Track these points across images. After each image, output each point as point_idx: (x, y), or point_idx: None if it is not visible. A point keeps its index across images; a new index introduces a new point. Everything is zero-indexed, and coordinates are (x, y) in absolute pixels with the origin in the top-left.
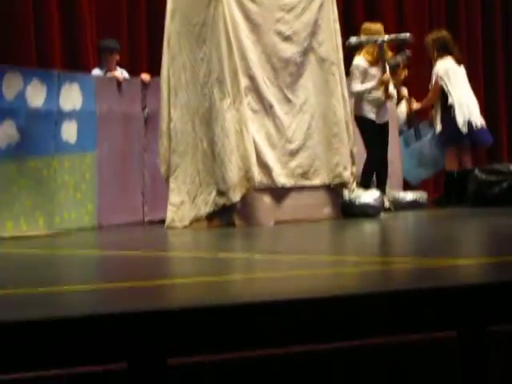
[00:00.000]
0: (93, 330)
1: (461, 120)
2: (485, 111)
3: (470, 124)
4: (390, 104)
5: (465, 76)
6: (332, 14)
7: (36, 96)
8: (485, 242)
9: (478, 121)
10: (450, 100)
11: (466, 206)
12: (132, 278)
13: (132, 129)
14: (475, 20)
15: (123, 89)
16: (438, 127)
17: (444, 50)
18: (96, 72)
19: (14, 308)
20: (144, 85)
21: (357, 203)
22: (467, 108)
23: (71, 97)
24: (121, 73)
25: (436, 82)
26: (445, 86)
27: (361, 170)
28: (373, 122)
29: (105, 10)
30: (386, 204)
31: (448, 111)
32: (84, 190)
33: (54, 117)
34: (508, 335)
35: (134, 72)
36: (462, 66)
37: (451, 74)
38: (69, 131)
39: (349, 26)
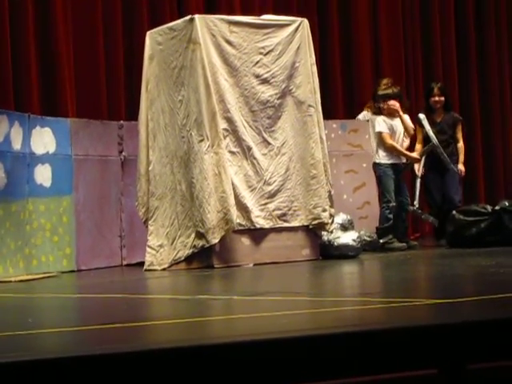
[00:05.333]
0: (69, 372)
1: None
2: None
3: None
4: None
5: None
6: (309, 57)
7: (16, 139)
8: (463, 282)
9: None
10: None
11: (445, 247)
12: (112, 320)
13: (109, 172)
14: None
15: (100, 132)
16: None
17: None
18: None
19: None
20: (120, 129)
21: (336, 244)
22: None
23: (43, 141)
24: None
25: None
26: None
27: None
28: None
29: (82, 53)
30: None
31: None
32: (61, 233)
33: (26, 160)
34: (487, 373)
35: (112, 116)
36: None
37: None
38: (42, 175)
39: (326, 69)
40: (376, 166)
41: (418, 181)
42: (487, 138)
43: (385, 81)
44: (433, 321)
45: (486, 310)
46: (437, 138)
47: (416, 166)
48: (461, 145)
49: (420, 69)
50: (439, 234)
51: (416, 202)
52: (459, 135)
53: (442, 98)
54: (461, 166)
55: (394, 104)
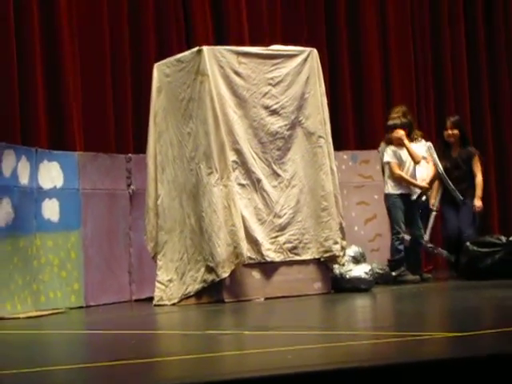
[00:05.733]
0: None
1: None
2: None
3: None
4: None
5: None
6: (319, 87)
7: (23, 173)
8: (478, 315)
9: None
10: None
11: (459, 279)
12: (121, 356)
13: (117, 206)
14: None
15: (107, 166)
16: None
17: None
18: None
19: None
20: (128, 162)
21: (348, 277)
22: None
23: (51, 175)
24: None
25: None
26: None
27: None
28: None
29: (90, 86)
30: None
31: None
32: (69, 268)
33: (34, 195)
34: None
35: (120, 150)
36: None
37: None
38: (50, 209)
39: (336, 99)
40: (386, 197)
41: (433, 214)
42: (501, 169)
43: (396, 109)
44: (447, 355)
45: (503, 343)
46: (452, 173)
47: (432, 201)
48: (479, 179)
49: (431, 96)
50: (455, 267)
51: (427, 236)
52: (476, 169)
53: (456, 132)
54: (477, 201)
55: (398, 132)
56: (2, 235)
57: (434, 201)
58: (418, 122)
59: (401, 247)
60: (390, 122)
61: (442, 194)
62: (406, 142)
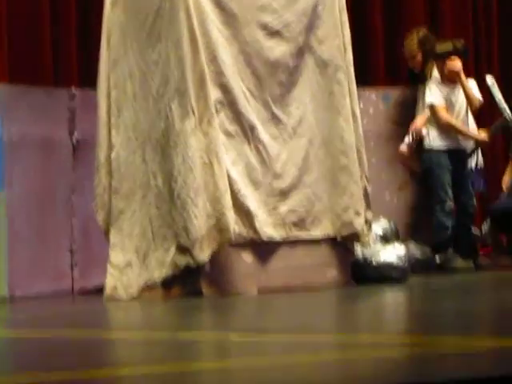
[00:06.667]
0: None
1: None
2: None
3: None
4: None
5: None
6: None
7: None
8: None
9: None
10: None
11: None
12: (59, 367)
13: (55, 161)
14: None
15: (43, 104)
16: None
17: None
18: None
19: None
20: (72, 100)
21: (374, 263)
22: None
23: None
24: None
25: None
26: None
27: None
28: None
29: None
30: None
31: None
32: None
33: None
34: None
35: (59, 82)
36: None
37: None
38: None
39: (361, 18)
40: (425, 153)
41: None
42: None
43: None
44: (498, 371)
45: None
46: None
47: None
48: None
49: (495, 22)
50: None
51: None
52: None
53: None
54: None
55: (457, 63)
56: None
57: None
58: (474, 52)
59: (448, 223)
60: (441, 49)
61: None
62: (464, 78)
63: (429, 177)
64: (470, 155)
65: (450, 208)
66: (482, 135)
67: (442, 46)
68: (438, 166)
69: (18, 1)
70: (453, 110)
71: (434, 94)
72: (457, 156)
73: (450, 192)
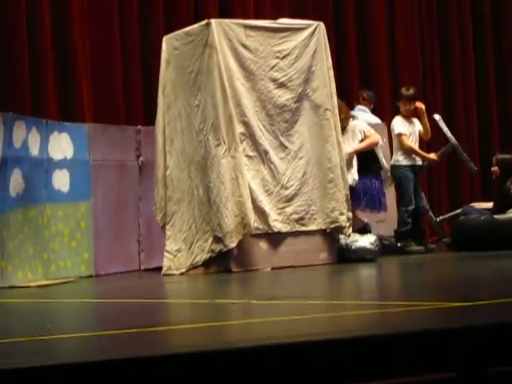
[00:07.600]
0: (88, 377)
1: None
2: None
3: None
4: None
5: None
6: (326, 61)
7: (33, 144)
8: (483, 285)
9: None
10: None
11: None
12: (130, 325)
13: (127, 177)
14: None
15: (117, 137)
16: None
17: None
18: None
19: (16, 356)
20: (138, 133)
21: (353, 247)
22: None
23: (61, 146)
24: None
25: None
26: None
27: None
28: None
29: (100, 59)
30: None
31: None
32: (79, 238)
33: (44, 165)
34: (509, 376)
35: (129, 121)
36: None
37: None
38: (60, 180)
39: (343, 73)
40: (395, 169)
41: None
42: None
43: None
44: (453, 324)
45: (508, 312)
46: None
47: None
48: None
49: (438, 72)
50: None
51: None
52: None
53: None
54: None
55: (421, 104)
56: (13, 205)
57: None
58: (423, 95)
59: (409, 220)
60: (411, 92)
61: None
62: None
63: (399, 186)
64: (421, 170)
65: (411, 210)
66: (432, 156)
67: (411, 91)
68: (405, 178)
69: (99, 61)
70: (412, 138)
71: (400, 126)
72: (415, 171)
73: (412, 197)
